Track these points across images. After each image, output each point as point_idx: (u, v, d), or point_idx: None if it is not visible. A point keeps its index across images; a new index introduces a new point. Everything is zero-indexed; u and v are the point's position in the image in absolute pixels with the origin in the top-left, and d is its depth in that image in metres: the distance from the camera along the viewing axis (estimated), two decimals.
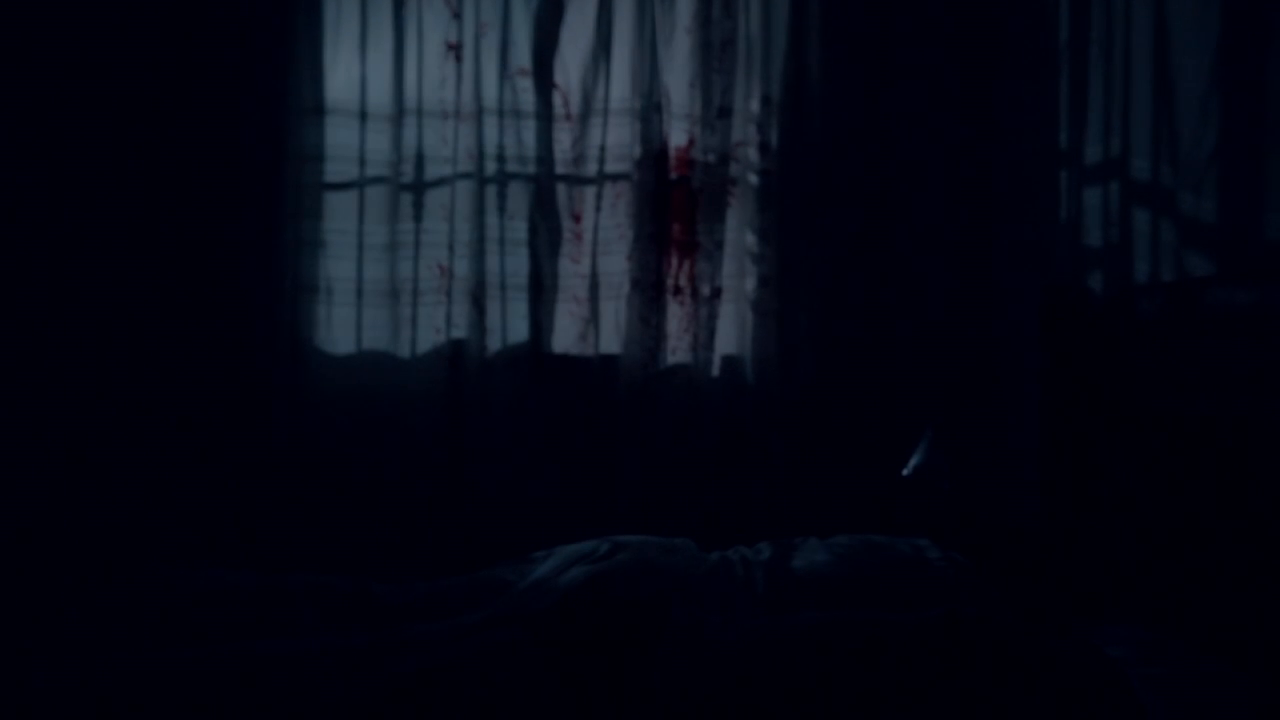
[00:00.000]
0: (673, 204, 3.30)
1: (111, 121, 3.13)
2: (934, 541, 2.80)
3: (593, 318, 3.30)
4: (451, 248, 3.26)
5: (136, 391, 3.13)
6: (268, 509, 3.14)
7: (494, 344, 3.27)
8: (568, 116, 3.29)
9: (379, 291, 3.25)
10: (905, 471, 3.04)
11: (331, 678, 1.81)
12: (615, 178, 3.31)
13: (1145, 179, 2.56)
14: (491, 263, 3.26)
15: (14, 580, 2.61)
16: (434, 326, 3.27)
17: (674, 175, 3.31)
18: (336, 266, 3.25)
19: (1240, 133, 2.23)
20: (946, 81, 3.37)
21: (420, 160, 3.26)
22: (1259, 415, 2.00)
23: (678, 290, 3.31)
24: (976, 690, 1.56)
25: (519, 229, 3.28)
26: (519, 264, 3.28)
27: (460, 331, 3.26)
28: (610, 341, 3.31)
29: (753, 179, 3.31)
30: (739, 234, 3.32)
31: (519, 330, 3.29)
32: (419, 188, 3.27)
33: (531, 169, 3.27)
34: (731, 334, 3.34)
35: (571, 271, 3.31)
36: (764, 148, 3.30)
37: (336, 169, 3.24)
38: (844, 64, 3.32)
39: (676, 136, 3.31)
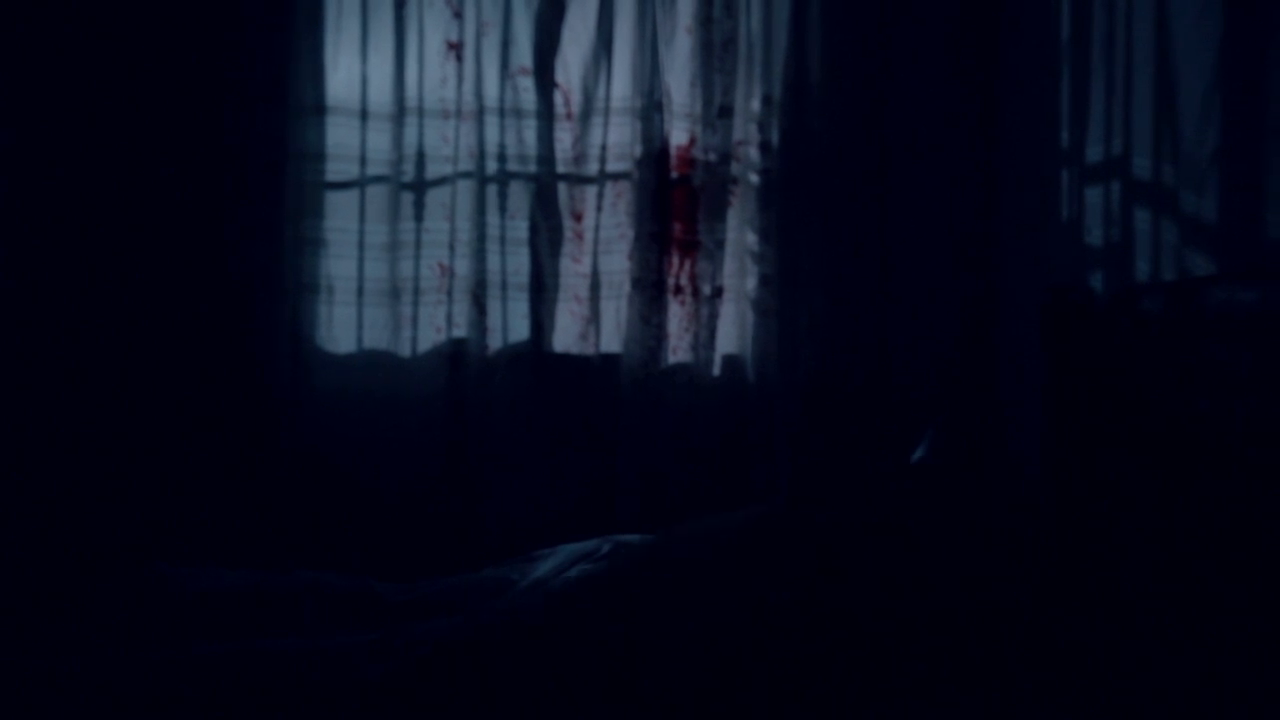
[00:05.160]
0: (674, 203, 3.30)
1: (112, 121, 3.13)
2: None
3: (594, 317, 3.30)
4: (452, 247, 3.26)
5: (137, 390, 3.13)
6: (268, 507, 3.14)
7: (495, 343, 3.27)
8: (569, 115, 3.29)
9: (380, 290, 3.25)
10: None
11: (334, 676, 1.81)
12: (616, 177, 3.31)
13: (1147, 178, 2.56)
14: (492, 262, 3.26)
15: (18, 580, 2.61)
16: (435, 325, 3.27)
17: (675, 174, 3.31)
18: (337, 265, 3.25)
19: (1242, 132, 2.23)
20: (948, 80, 3.37)
21: (421, 159, 3.26)
22: (1261, 415, 2.00)
23: (679, 289, 3.31)
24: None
25: (520, 228, 3.28)
26: (520, 263, 3.28)
27: (461, 331, 3.26)
28: (611, 341, 3.31)
29: (754, 178, 3.31)
30: (740, 233, 3.32)
31: (520, 329, 3.29)
32: (420, 187, 3.26)
33: (532, 168, 3.27)
34: (732, 333, 3.34)
35: (572, 271, 3.31)
36: (765, 147, 3.29)
37: (337, 168, 3.24)
38: (845, 63, 3.31)
39: (677, 136, 3.31)
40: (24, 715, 1.65)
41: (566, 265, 3.30)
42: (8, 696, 1.68)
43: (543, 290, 3.28)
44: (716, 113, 3.29)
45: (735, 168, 3.31)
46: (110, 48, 3.12)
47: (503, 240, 3.26)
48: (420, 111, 3.25)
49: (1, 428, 3.02)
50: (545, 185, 3.28)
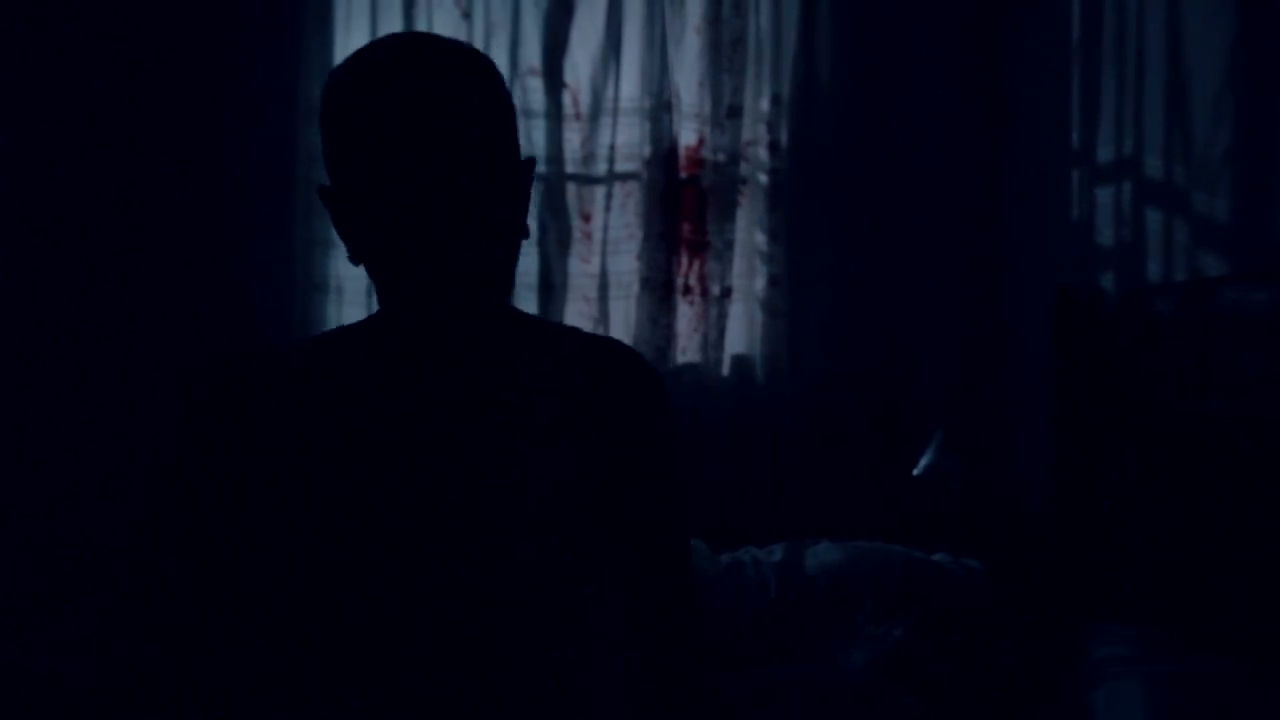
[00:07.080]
0: (682, 203, 3.29)
1: (115, 122, 3.13)
2: (945, 542, 2.79)
3: (602, 317, 3.29)
4: None
5: (143, 390, 3.13)
6: None
7: None
8: (577, 116, 3.28)
9: None
10: (915, 472, 3.02)
11: None
12: (625, 177, 3.29)
13: (1158, 178, 2.55)
14: None
15: (18, 580, 2.61)
16: None
17: (684, 174, 3.30)
18: (347, 266, 3.19)
19: (1254, 132, 2.22)
20: (957, 80, 3.36)
21: None
22: (1272, 415, 1.98)
23: (687, 290, 3.30)
24: None
25: (529, 228, 3.27)
26: (529, 263, 3.27)
27: None
28: None
29: (762, 178, 3.30)
30: (749, 233, 3.31)
31: None
32: None
33: (541, 168, 3.26)
34: (741, 334, 3.33)
35: (581, 271, 3.30)
36: (774, 147, 3.28)
37: None
38: (854, 63, 3.30)
39: (686, 136, 3.30)
40: (24, 715, 1.65)
41: (575, 265, 3.29)
42: (8, 696, 1.68)
43: (551, 290, 3.27)
44: (725, 113, 3.27)
45: (744, 168, 3.30)
46: (113, 48, 3.12)
47: None
48: None
49: (1, 428, 3.02)
50: (554, 185, 3.27)
